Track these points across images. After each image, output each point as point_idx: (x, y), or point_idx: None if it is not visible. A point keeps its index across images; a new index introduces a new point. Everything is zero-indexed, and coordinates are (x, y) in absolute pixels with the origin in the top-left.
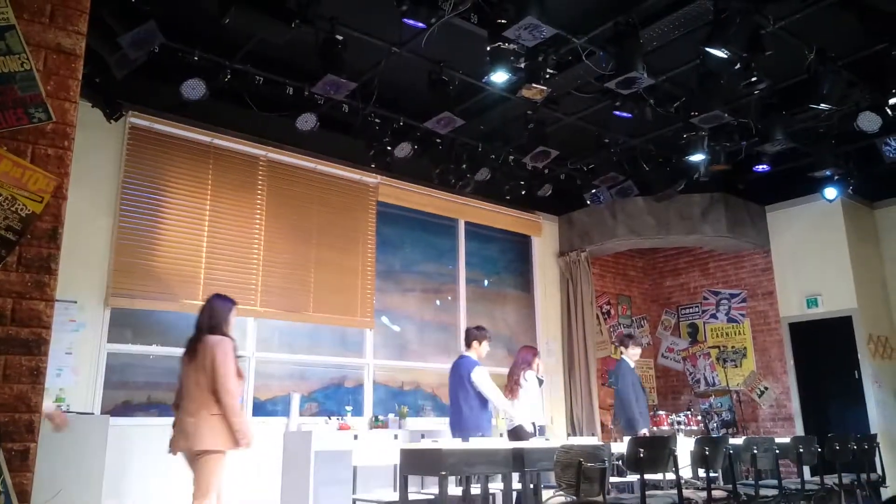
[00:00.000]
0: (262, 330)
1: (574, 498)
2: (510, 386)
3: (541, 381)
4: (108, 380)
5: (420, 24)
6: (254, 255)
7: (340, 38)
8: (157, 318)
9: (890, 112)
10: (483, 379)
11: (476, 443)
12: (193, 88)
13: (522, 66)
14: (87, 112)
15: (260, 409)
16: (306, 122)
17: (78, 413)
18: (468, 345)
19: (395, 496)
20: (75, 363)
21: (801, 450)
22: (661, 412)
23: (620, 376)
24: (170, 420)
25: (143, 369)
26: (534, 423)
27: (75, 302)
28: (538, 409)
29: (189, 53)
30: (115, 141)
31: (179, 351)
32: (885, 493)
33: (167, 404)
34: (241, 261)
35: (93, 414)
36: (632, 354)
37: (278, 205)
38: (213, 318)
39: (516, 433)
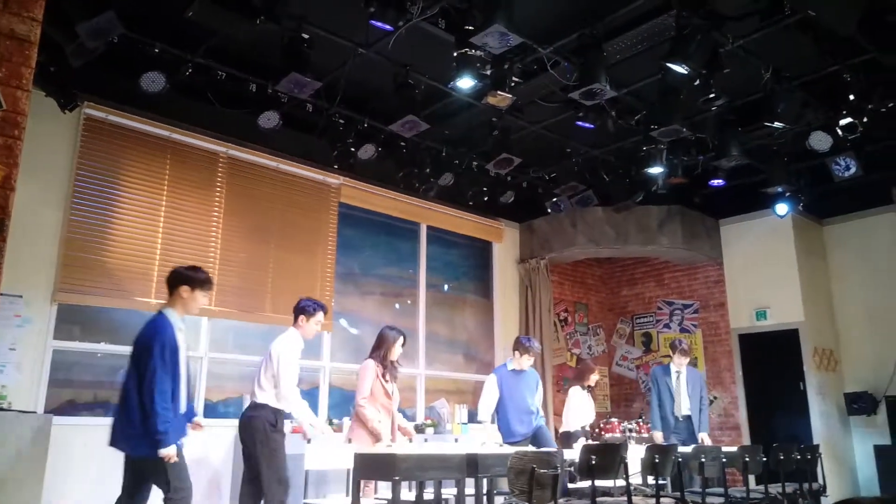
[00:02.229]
0: (216, 330)
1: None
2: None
3: (590, 388)
4: (53, 377)
5: (387, 27)
6: (210, 253)
7: (306, 36)
8: (106, 315)
9: (840, 132)
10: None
11: (431, 447)
12: (153, 81)
13: (488, 73)
14: (40, 101)
15: (212, 410)
16: (269, 119)
17: (19, 412)
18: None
19: (348, 501)
20: (19, 359)
21: (747, 459)
22: (612, 419)
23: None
24: None
25: (90, 367)
26: (583, 427)
27: (21, 297)
28: (585, 415)
29: (149, 46)
30: (69, 132)
31: (128, 349)
32: (826, 502)
33: (114, 403)
34: (197, 259)
35: (35, 413)
36: (676, 361)
37: (237, 203)
38: (378, 344)
39: (564, 438)
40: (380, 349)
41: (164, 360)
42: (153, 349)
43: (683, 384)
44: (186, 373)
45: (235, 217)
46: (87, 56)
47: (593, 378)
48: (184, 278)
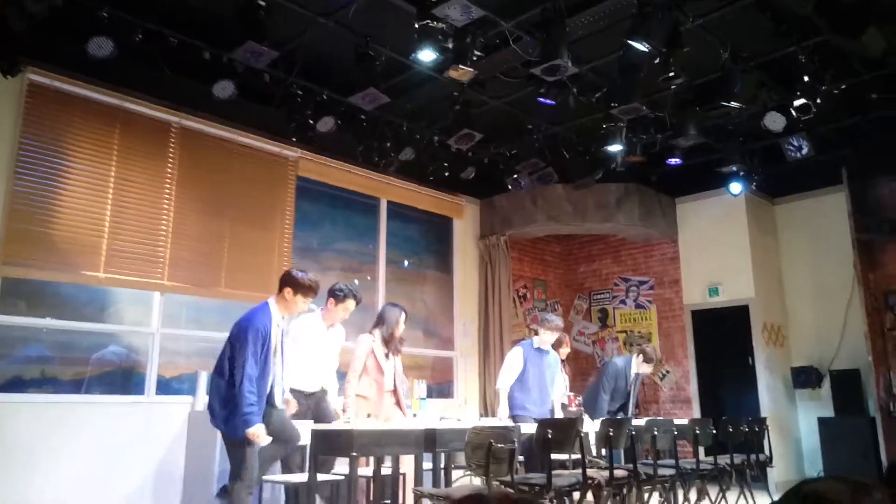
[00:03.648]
0: (169, 305)
1: (483, 478)
2: None
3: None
4: None
5: None
6: (162, 226)
7: (263, 3)
8: (53, 289)
9: (794, 113)
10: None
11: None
12: (100, 46)
13: (450, 46)
14: None
15: (165, 387)
16: (224, 89)
17: None
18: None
19: (304, 477)
20: None
21: (698, 431)
22: (570, 393)
23: (607, 372)
24: (65, 397)
25: (37, 343)
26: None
27: None
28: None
29: (96, 9)
30: (12, 98)
31: (76, 325)
32: (772, 473)
33: (62, 380)
34: (148, 232)
35: None
36: (639, 365)
37: (191, 175)
38: (379, 319)
39: None
40: (383, 325)
41: (255, 346)
42: (248, 335)
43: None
44: (281, 364)
45: (189, 189)
46: (30, 19)
47: (563, 351)
48: (290, 281)
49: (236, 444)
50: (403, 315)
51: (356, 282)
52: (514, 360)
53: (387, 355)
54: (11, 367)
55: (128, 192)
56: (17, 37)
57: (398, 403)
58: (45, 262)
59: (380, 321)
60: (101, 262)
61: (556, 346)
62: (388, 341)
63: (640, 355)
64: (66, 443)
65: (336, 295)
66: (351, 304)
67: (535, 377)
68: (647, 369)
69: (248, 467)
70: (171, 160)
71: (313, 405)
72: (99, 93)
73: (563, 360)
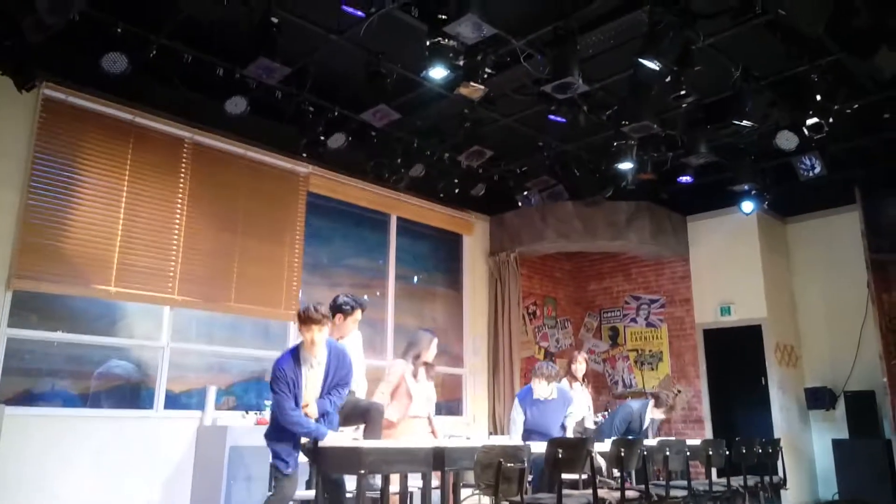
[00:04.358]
0: (179, 319)
1: (492, 497)
2: None
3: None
4: (8, 366)
5: (359, 13)
6: (173, 241)
7: (276, 20)
8: (64, 303)
9: (806, 132)
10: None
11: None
12: (115, 62)
13: (461, 63)
14: None
15: (173, 401)
16: (236, 105)
17: None
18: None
19: (312, 494)
20: None
21: (711, 452)
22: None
23: (619, 415)
24: (73, 410)
25: (48, 357)
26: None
27: None
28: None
29: (112, 24)
30: (26, 112)
31: (87, 338)
32: (785, 495)
33: (72, 393)
34: (160, 246)
35: None
36: (654, 410)
37: (202, 190)
38: (409, 345)
39: None
40: (407, 347)
41: (278, 386)
42: (272, 384)
43: None
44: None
45: (200, 204)
46: (46, 32)
47: (578, 368)
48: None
49: (271, 465)
50: (435, 340)
51: (366, 297)
52: (514, 416)
53: (415, 375)
54: (22, 380)
55: (140, 207)
56: (33, 52)
57: (434, 433)
58: (57, 276)
59: (410, 346)
60: (113, 276)
61: (570, 363)
62: (415, 364)
63: (653, 400)
64: (74, 456)
65: (343, 310)
66: (359, 313)
67: (540, 424)
68: (659, 415)
69: (280, 488)
70: (182, 175)
71: (346, 409)
72: (112, 108)
73: (581, 378)
